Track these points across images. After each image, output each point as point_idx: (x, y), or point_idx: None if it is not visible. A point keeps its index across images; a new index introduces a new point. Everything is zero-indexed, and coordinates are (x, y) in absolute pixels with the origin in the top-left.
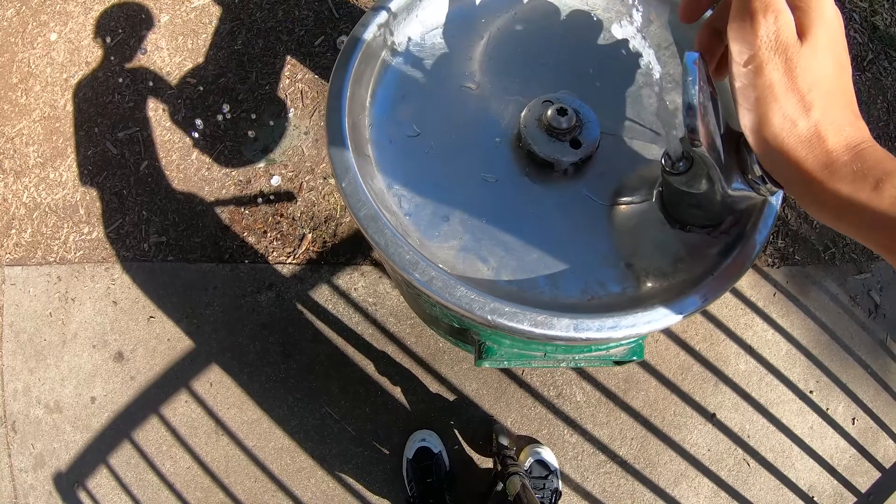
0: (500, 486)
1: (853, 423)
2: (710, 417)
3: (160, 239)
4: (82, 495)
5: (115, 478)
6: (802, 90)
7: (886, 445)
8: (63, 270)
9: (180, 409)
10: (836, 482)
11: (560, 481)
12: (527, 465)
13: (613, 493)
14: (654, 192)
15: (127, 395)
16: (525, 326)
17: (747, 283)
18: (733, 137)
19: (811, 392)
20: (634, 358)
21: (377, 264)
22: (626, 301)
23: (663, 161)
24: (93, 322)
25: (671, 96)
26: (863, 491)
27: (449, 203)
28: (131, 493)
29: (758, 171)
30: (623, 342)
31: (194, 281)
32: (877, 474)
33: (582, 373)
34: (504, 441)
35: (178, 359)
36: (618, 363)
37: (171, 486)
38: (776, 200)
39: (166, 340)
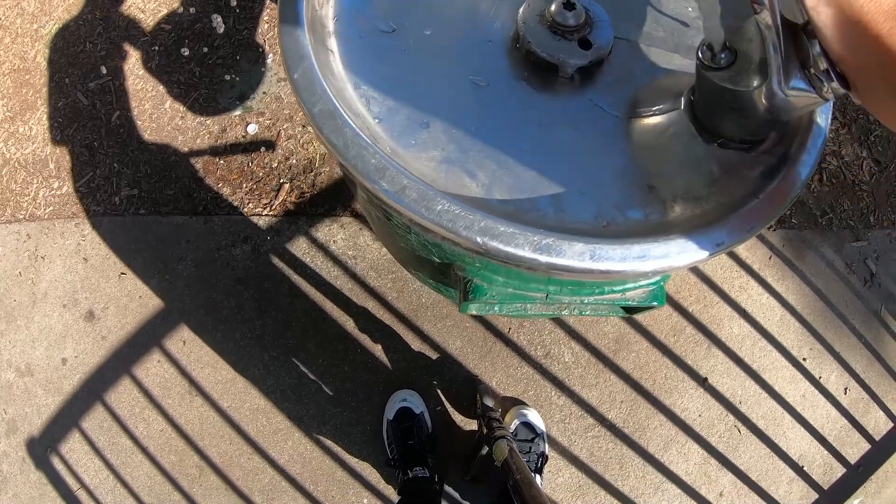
0: (485, 450)
1: (845, 393)
2: (702, 382)
3: (132, 192)
4: (55, 461)
5: (87, 442)
6: None
7: (877, 417)
8: (33, 228)
9: (153, 369)
10: (826, 452)
11: (546, 445)
12: (512, 427)
13: (601, 458)
14: (683, 99)
15: (98, 356)
16: (526, 253)
17: (742, 244)
18: (790, 28)
19: (804, 359)
20: (654, 304)
21: (357, 216)
22: (650, 229)
23: (700, 54)
24: (63, 280)
25: None
26: (852, 462)
27: (429, 109)
28: (104, 458)
29: (822, 65)
30: (644, 281)
31: (167, 235)
32: (867, 446)
33: (571, 332)
34: (489, 402)
35: (151, 317)
36: (631, 311)
37: (144, 450)
38: (825, 121)
39: (138, 298)
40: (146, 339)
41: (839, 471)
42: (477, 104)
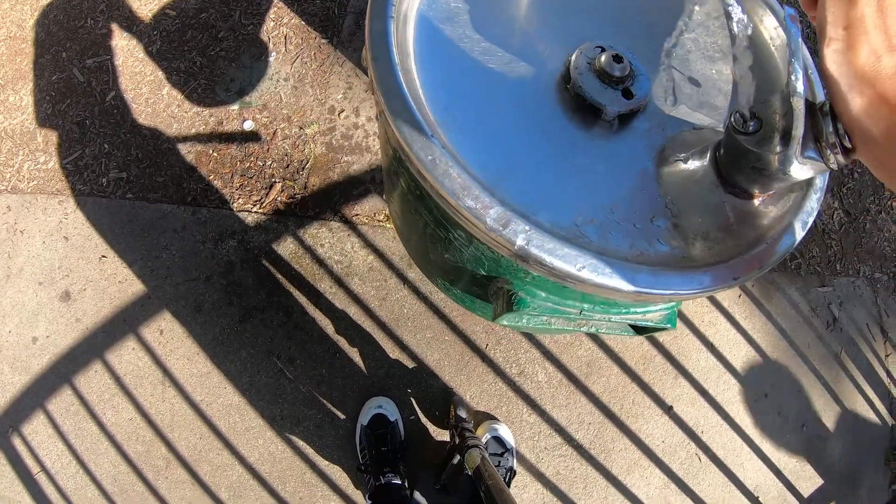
0: (456, 459)
1: (802, 429)
2: (668, 409)
3: (120, 175)
4: (16, 441)
5: (52, 425)
6: (890, 30)
7: (831, 455)
8: (14, 200)
9: (126, 356)
10: (780, 485)
11: (515, 460)
12: (483, 440)
13: (567, 477)
14: (709, 153)
15: (71, 338)
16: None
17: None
18: (809, 106)
19: (766, 395)
20: (668, 326)
21: (346, 221)
22: (676, 261)
23: (733, 119)
24: (41, 257)
25: (744, 56)
26: (805, 496)
27: (482, 126)
28: (68, 442)
29: (832, 139)
30: (667, 305)
31: (153, 221)
32: (820, 481)
33: (546, 352)
34: (463, 413)
35: (129, 303)
36: (641, 331)
37: (111, 437)
38: (823, 182)
39: (117, 282)
40: (122, 325)
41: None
42: (528, 133)
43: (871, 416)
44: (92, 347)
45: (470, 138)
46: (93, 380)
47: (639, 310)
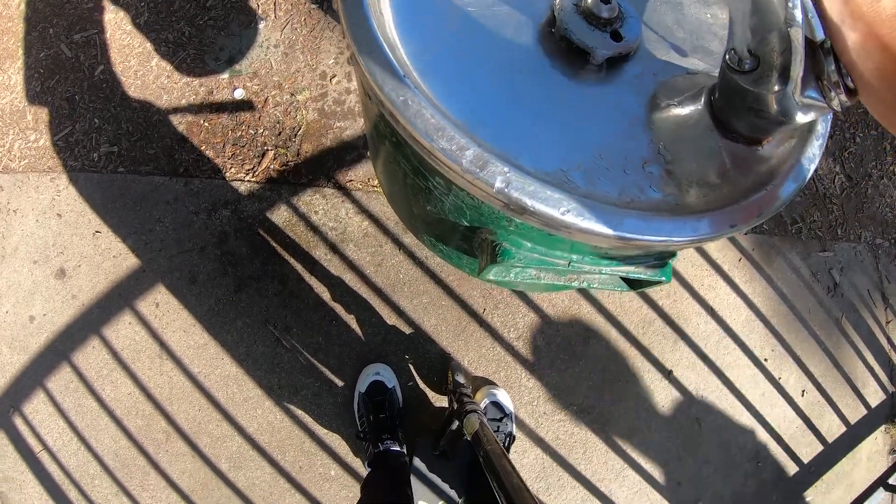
0: (455, 425)
1: (802, 395)
2: (667, 374)
3: (111, 149)
4: (18, 421)
5: (52, 403)
6: None
7: (831, 421)
8: (6, 180)
9: (123, 331)
10: (781, 450)
11: (514, 425)
12: (482, 405)
13: (566, 442)
14: (703, 97)
15: (68, 315)
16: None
17: (714, 244)
18: (810, 44)
19: (766, 360)
20: (663, 279)
21: (340, 187)
22: (669, 208)
23: (728, 57)
24: (35, 236)
25: None
26: (805, 462)
27: (465, 70)
28: (69, 420)
29: (834, 78)
30: (662, 256)
31: (145, 194)
32: (819, 447)
33: (544, 316)
34: (461, 379)
35: (124, 277)
36: (636, 285)
37: (110, 413)
38: (825, 128)
39: (112, 257)
40: (118, 299)
41: (792, 469)
42: (510, 78)
43: (872, 383)
44: (88, 323)
45: (447, 83)
46: (91, 356)
47: (633, 261)
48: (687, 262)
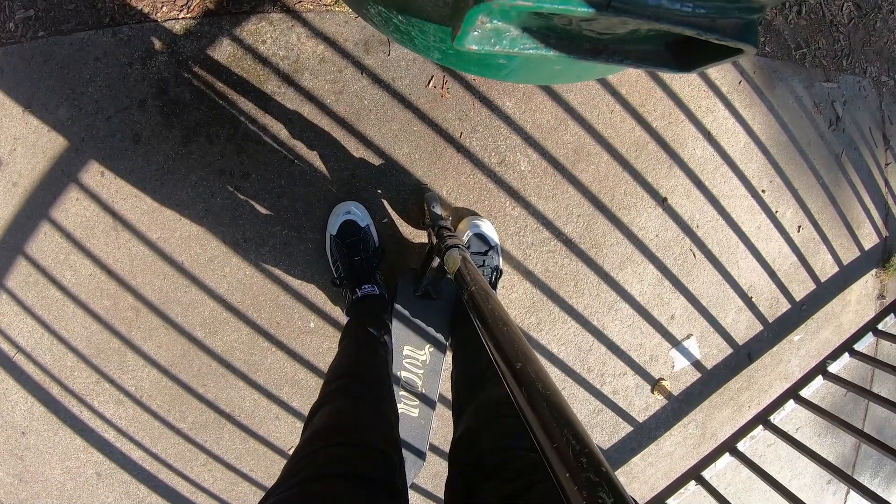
0: (436, 262)
1: (798, 231)
2: (661, 202)
3: (27, 14)
4: None
5: (16, 301)
6: None
7: (825, 259)
8: None
9: (72, 209)
10: (774, 286)
11: (500, 258)
12: (465, 238)
13: (556, 274)
14: None
15: (12, 205)
16: None
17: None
18: None
19: (763, 191)
20: (747, 45)
21: (288, 10)
22: None
23: None
24: None
25: None
26: (797, 299)
27: None
28: (35, 315)
29: None
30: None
31: (71, 56)
32: (812, 285)
33: (528, 138)
34: (438, 210)
35: (63, 151)
36: (703, 61)
37: (75, 299)
38: None
39: (46, 133)
40: (61, 176)
41: (784, 306)
42: None
43: (867, 225)
44: (35, 209)
45: None
46: (44, 243)
47: (703, 7)
48: (683, 82)
